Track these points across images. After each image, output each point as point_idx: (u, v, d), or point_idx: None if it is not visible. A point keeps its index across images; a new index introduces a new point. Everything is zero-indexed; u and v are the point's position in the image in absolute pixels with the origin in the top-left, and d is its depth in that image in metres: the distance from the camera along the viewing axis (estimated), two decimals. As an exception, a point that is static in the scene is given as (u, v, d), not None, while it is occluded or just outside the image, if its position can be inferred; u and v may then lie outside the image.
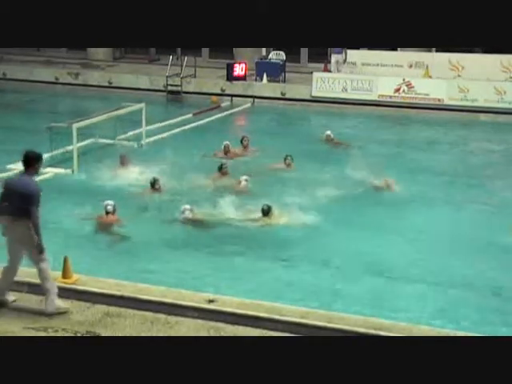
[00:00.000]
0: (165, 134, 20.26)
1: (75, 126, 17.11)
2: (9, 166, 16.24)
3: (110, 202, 13.20)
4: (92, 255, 11.76)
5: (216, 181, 15.91)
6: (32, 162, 8.66)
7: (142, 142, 19.20)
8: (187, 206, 13.45)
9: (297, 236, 12.94)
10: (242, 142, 18.62)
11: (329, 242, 12.65)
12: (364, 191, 15.30)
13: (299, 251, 12.35)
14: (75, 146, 16.96)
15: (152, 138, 19.67)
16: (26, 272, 9.76)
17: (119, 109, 19.15)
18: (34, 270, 9.05)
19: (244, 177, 15.47)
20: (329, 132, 19.89)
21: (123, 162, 16.74)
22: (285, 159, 17.05)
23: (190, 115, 22.77)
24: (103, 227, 13.06)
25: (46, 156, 16.89)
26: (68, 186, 15.63)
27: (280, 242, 12.65)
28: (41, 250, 8.62)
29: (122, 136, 19.31)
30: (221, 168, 16.18)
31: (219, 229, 13.18)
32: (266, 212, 13.46)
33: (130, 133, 19.69)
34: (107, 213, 13.15)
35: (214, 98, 25.56)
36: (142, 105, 19.39)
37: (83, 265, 10.34)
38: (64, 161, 17.15)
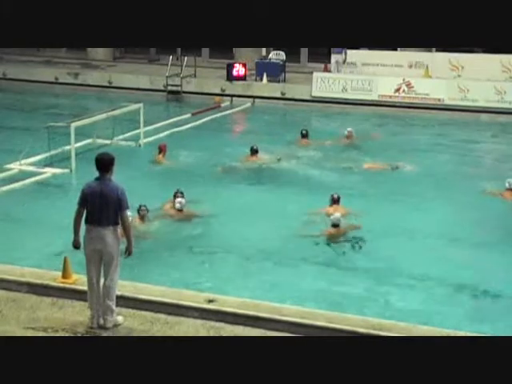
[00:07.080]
0: (163, 134, 20.24)
1: (73, 125, 17.17)
2: (8, 166, 16.32)
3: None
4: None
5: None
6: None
7: (140, 142, 19.20)
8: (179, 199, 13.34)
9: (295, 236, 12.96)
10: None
11: (328, 242, 12.66)
12: (365, 191, 15.30)
13: (299, 251, 12.37)
14: (73, 146, 16.97)
15: (151, 138, 19.67)
16: (26, 272, 9.79)
17: (117, 109, 19.17)
18: (34, 270, 9.01)
19: (179, 199, 13.49)
20: (350, 129, 19.72)
21: (163, 151, 17.06)
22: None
23: (189, 115, 22.75)
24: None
25: (44, 155, 17.06)
26: (66, 185, 15.58)
27: (279, 242, 12.66)
28: None
29: (121, 136, 19.30)
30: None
31: (220, 229, 13.19)
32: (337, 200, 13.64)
33: (130, 133, 19.66)
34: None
35: (217, 98, 25.53)
36: (140, 105, 19.40)
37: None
38: (62, 160, 17.12)
